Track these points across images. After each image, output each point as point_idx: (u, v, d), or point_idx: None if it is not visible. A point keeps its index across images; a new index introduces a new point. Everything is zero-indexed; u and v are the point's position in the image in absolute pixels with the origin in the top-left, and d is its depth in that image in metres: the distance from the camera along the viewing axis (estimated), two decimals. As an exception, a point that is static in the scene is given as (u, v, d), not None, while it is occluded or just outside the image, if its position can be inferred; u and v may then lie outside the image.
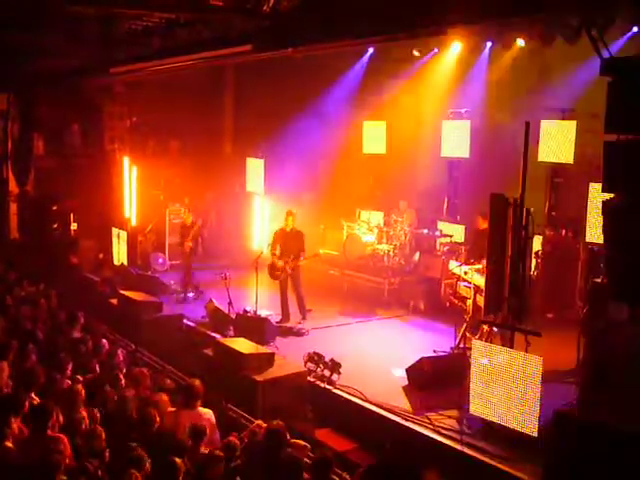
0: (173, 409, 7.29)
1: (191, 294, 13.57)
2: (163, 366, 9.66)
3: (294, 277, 11.70)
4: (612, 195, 6.34)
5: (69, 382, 7.77)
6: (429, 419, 8.02)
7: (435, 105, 14.84)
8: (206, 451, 6.32)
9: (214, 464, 5.91)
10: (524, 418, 7.21)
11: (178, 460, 5.72)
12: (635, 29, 9.91)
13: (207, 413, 7.22)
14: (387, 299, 13.07)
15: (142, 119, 17.72)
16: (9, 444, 6.07)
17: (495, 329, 9.15)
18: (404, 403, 8.60)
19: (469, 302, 10.18)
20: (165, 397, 7.39)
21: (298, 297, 11.79)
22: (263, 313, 11.45)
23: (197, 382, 7.46)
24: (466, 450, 7.37)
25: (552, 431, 6.78)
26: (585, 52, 8.44)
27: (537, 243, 11.57)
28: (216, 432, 7.12)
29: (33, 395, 7.20)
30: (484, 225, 10.87)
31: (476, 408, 7.69)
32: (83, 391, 7.25)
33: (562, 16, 8.42)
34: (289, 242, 11.63)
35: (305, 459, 6.27)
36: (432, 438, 7.70)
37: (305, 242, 11.76)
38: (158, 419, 6.87)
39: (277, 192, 15.85)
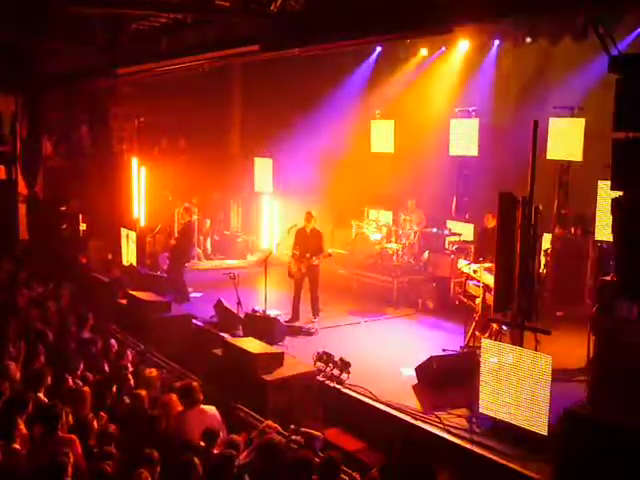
0: (180, 409, 7.30)
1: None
2: (172, 366, 9.67)
3: (311, 277, 11.70)
4: (621, 193, 6.32)
5: (79, 383, 7.79)
6: (439, 418, 7.98)
7: (443, 103, 14.81)
8: (215, 450, 6.33)
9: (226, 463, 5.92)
10: (534, 417, 7.19)
11: (193, 459, 5.73)
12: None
13: (211, 409, 7.25)
14: (396, 298, 13.03)
15: (149, 120, 17.75)
16: (16, 445, 6.09)
17: (504, 328, 9.15)
18: (413, 402, 8.57)
19: (478, 301, 10.15)
20: (174, 397, 7.40)
21: (313, 297, 11.79)
22: (272, 313, 11.44)
23: (194, 383, 7.49)
24: (476, 449, 7.34)
25: (562, 430, 6.76)
26: (594, 49, 8.41)
27: (546, 241, 11.55)
28: (222, 429, 7.13)
29: (41, 396, 7.23)
30: (492, 224, 10.86)
31: (485, 407, 7.68)
32: (92, 392, 7.28)
33: (570, 13, 8.39)
34: (308, 242, 11.67)
35: (317, 452, 6.26)
36: (442, 437, 7.67)
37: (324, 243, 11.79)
38: (167, 419, 6.88)
39: (285, 191, 15.86)
